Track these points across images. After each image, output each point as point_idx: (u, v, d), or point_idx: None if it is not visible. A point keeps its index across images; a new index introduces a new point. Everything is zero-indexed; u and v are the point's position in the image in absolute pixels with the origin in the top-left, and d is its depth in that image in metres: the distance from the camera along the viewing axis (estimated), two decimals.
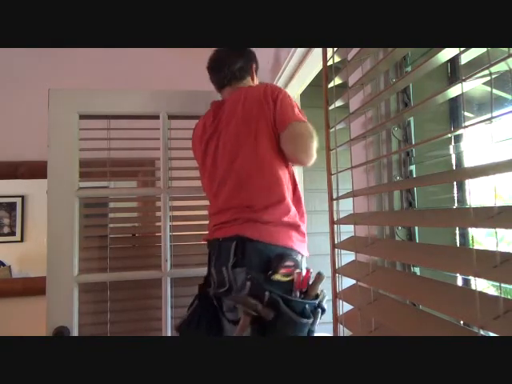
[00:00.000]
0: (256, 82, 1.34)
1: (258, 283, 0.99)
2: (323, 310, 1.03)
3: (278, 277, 0.98)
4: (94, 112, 1.46)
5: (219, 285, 1.11)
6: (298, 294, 1.00)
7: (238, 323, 0.98)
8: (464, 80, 0.53)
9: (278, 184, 1.10)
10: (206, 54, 1.30)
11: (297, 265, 1.03)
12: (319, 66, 1.34)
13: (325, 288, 1.05)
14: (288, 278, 1.00)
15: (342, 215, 0.93)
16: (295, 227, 1.11)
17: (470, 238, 0.79)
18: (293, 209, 1.11)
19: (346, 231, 0.94)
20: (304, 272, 1.03)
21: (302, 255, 1.11)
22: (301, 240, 1.12)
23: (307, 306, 0.99)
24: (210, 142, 1.25)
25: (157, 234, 1.49)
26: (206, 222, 1.54)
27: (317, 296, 1.03)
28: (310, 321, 0.98)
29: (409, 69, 0.86)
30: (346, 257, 0.92)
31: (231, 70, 1.27)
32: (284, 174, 1.13)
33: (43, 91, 1.46)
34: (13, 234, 2.18)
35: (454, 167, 0.80)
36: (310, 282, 1.03)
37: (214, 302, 1.15)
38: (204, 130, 1.28)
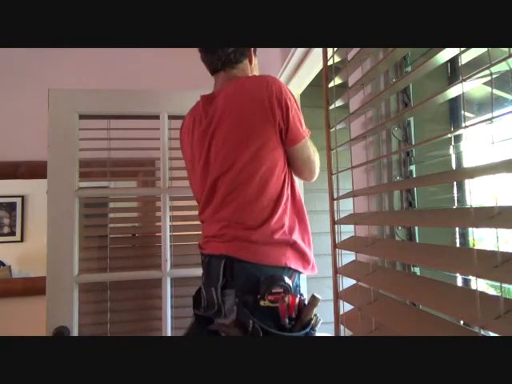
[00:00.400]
0: (255, 65, 1.19)
1: (244, 309, 0.92)
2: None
3: (266, 303, 0.92)
4: (94, 112, 1.46)
5: (209, 305, 1.03)
6: (288, 320, 0.93)
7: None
8: (464, 80, 0.53)
9: (272, 198, 1.00)
10: None
11: (287, 290, 0.94)
12: (319, 66, 1.34)
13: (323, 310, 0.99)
14: (277, 304, 0.93)
15: (342, 215, 0.93)
16: (290, 244, 1.01)
17: (472, 239, 0.79)
18: (287, 223, 1.01)
19: (347, 231, 0.94)
20: (298, 297, 0.96)
21: (300, 272, 1.03)
22: (299, 257, 1.03)
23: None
24: (200, 143, 1.11)
25: (157, 234, 1.49)
26: None
27: (309, 322, 0.95)
28: None
29: (409, 69, 0.86)
30: (346, 257, 0.92)
31: (225, 52, 1.10)
32: (281, 186, 1.02)
33: (43, 91, 1.46)
34: (13, 234, 2.18)
35: (454, 167, 0.80)
36: (306, 303, 0.97)
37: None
38: (193, 129, 1.15)
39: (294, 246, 1.02)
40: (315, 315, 0.97)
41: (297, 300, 0.95)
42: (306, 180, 1.15)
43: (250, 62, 1.16)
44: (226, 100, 1.05)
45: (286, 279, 0.95)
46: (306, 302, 0.98)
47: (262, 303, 0.92)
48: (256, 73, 1.19)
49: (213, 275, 1.01)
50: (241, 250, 0.98)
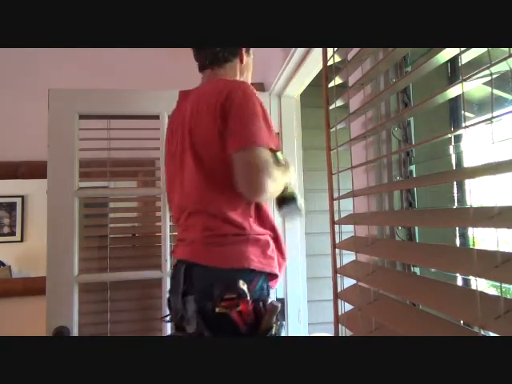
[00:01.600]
0: (247, 65, 1.14)
1: (200, 320, 0.88)
2: None
3: (221, 310, 0.86)
4: (94, 112, 1.46)
5: (175, 312, 0.99)
6: (246, 328, 0.86)
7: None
8: (464, 80, 0.53)
9: (225, 197, 0.93)
10: None
11: (240, 295, 0.86)
12: (319, 66, 1.34)
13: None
14: (230, 311, 0.86)
15: (342, 215, 0.93)
16: (253, 242, 0.93)
17: (472, 239, 0.79)
18: (248, 221, 0.94)
19: (346, 231, 0.94)
20: (250, 303, 0.88)
21: (268, 273, 0.94)
22: (264, 256, 0.94)
23: None
24: (175, 144, 1.07)
25: (157, 234, 1.49)
26: None
27: (269, 330, 0.88)
28: None
29: (409, 69, 0.86)
30: (346, 257, 0.92)
31: (213, 50, 1.06)
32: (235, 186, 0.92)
33: (43, 91, 1.46)
34: (13, 234, 2.18)
35: (454, 167, 0.80)
36: (267, 308, 0.90)
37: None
38: (170, 126, 1.14)
39: (257, 243, 0.94)
40: (277, 322, 0.89)
41: (249, 307, 0.87)
42: (246, 196, 0.91)
43: (241, 61, 1.12)
44: (195, 99, 1.02)
45: (241, 283, 0.87)
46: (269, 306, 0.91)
47: (217, 310, 0.86)
48: (247, 73, 1.16)
49: (176, 281, 0.97)
50: (198, 254, 0.94)
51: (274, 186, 0.90)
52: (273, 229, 1.01)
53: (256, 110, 0.92)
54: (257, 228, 0.96)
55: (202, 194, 0.96)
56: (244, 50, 1.12)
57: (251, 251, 0.93)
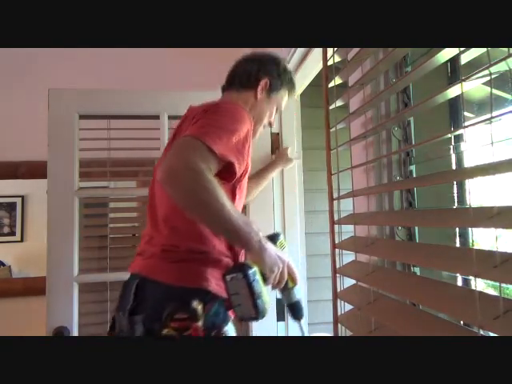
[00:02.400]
0: (260, 104, 1.02)
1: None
2: None
3: (168, 332, 0.76)
4: (94, 112, 1.46)
5: (121, 330, 0.89)
6: None
7: None
8: (464, 80, 0.53)
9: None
10: (206, 54, 1.29)
11: (194, 316, 0.77)
12: (319, 66, 1.34)
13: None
14: (183, 333, 0.76)
15: (342, 215, 0.93)
16: (214, 263, 0.86)
17: (471, 239, 0.79)
18: (212, 240, 0.87)
19: (346, 231, 0.94)
20: (202, 329, 0.77)
21: (224, 299, 0.81)
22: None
23: None
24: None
25: None
26: None
27: None
28: None
29: (409, 69, 0.86)
30: (346, 257, 0.92)
31: (230, 72, 1.04)
32: None
33: (43, 91, 1.46)
34: (13, 234, 2.18)
35: (454, 167, 0.80)
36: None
37: None
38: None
39: (216, 265, 0.86)
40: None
41: (200, 333, 0.76)
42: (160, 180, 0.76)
43: (256, 96, 1.01)
44: (182, 119, 0.99)
45: (195, 303, 0.78)
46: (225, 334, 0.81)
47: (164, 332, 0.76)
48: (258, 113, 1.03)
49: (126, 297, 0.88)
50: (153, 269, 0.86)
51: (188, 182, 0.72)
52: (239, 253, 0.92)
53: (234, 126, 0.82)
54: (221, 249, 0.88)
55: (168, 207, 0.90)
56: (264, 87, 1.02)
57: (210, 272, 0.84)
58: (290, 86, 1.09)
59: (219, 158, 0.77)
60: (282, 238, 0.91)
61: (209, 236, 0.87)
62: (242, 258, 0.92)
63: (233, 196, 0.90)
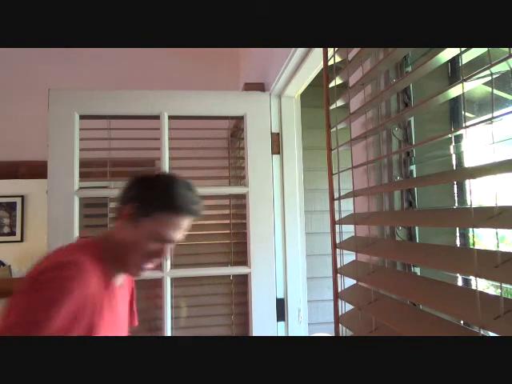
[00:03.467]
0: (129, 233, 0.88)
1: None
2: None
3: None
4: (94, 112, 1.46)
5: None
6: None
7: None
8: (464, 80, 0.53)
9: None
10: (206, 54, 1.29)
11: None
12: (320, 66, 1.34)
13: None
14: None
15: (342, 215, 0.93)
16: None
17: (472, 239, 0.79)
18: None
19: (346, 231, 0.94)
20: None
21: None
22: None
23: None
24: None
25: None
26: (207, 222, 1.55)
27: None
28: None
29: (409, 69, 0.86)
30: (347, 257, 0.92)
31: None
32: None
33: (43, 91, 1.46)
34: (13, 233, 2.19)
35: (454, 167, 0.80)
36: None
37: None
38: None
39: None
40: None
41: None
42: None
43: (120, 228, 0.90)
44: None
45: None
46: None
47: None
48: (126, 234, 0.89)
49: None
50: None
51: None
52: None
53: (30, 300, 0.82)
54: None
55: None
56: (132, 206, 0.86)
57: None
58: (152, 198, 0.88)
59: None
60: None
61: None
62: None
63: None
